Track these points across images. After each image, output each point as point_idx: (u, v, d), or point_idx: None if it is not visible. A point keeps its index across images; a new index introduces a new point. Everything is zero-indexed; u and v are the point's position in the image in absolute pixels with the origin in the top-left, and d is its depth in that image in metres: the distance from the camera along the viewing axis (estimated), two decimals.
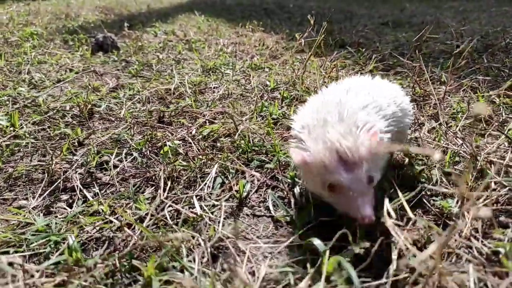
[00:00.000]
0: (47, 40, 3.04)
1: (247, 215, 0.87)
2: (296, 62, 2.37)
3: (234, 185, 0.93)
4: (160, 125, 1.37)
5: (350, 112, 0.78)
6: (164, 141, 1.15)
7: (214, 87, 1.89)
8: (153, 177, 1.00)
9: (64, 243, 0.74)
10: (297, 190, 0.92)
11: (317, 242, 0.69)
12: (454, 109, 1.44)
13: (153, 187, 0.97)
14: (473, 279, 0.60)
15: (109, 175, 1.02)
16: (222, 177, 0.99)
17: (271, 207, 0.87)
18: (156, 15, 4.96)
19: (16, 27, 3.42)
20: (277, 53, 2.78)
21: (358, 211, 0.68)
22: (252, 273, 0.68)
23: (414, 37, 3.36)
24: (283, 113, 1.47)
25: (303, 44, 2.02)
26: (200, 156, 1.06)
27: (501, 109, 1.38)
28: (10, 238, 0.76)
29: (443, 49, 2.77)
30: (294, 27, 4.01)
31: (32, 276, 0.63)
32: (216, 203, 0.88)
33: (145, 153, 1.14)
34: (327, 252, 0.64)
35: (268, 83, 1.92)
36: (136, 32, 3.27)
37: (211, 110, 1.48)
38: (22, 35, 3.03)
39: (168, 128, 1.34)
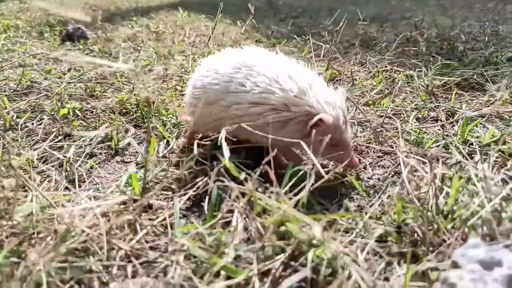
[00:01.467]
0: (25, 32, 3.24)
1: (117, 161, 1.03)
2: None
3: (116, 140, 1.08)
4: (89, 98, 1.53)
5: (313, 74, 0.91)
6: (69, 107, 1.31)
7: (155, 70, 2.05)
8: (49, 133, 1.16)
9: None
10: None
11: None
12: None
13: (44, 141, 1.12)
14: None
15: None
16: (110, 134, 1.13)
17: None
18: (141, 11, 5.13)
19: (6, 20, 3.63)
20: (236, 42, 2.92)
21: (353, 160, 0.87)
22: None
23: (375, 30, 3.49)
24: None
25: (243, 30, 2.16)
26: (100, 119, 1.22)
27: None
28: None
29: (395, 39, 2.89)
30: (274, 22, 4.12)
31: None
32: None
33: (56, 118, 1.29)
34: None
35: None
36: (109, 25, 3.45)
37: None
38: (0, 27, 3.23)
39: (92, 100, 1.50)
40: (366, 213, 0.74)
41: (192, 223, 0.74)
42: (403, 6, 6.04)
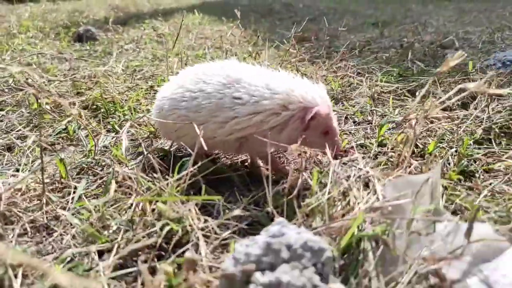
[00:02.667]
0: (43, 33, 3.51)
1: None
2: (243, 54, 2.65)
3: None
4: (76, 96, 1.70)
5: (290, 75, 0.96)
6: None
7: (144, 70, 2.21)
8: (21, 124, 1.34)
9: None
10: None
11: None
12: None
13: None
14: None
15: None
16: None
17: None
18: (160, 13, 5.36)
19: (27, 22, 3.94)
20: (236, 45, 3.06)
21: (339, 145, 0.94)
22: None
23: (377, 35, 3.53)
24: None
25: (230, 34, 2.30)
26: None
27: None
28: None
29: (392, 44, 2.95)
30: (286, 26, 4.20)
31: None
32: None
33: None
34: None
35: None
36: (119, 27, 3.67)
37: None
38: (20, 29, 3.52)
39: (76, 97, 1.67)
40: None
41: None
42: (422, 10, 5.99)
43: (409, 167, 0.91)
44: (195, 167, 0.80)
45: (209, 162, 0.88)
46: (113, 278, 0.64)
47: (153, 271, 0.63)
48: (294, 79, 0.94)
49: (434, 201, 0.74)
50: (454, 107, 1.34)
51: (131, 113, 1.40)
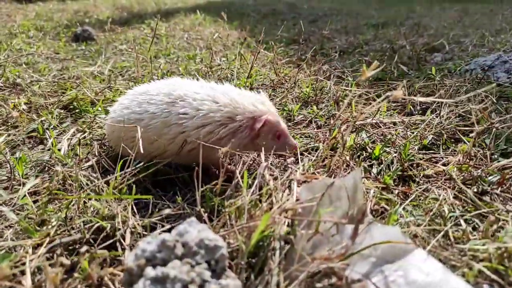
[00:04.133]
0: (43, 32, 3.61)
1: None
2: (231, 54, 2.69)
3: None
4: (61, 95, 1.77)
5: (228, 87, 1.03)
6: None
7: (127, 71, 2.27)
8: None
9: None
10: None
11: None
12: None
13: None
14: None
15: None
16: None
17: None
18: (163, 13, 5.43)
19: (28, 21, 4.05)
20: (230, 47, 3.11)
21: (293, 145, 1.02)
22: None
23: (371, 37, 3.54)
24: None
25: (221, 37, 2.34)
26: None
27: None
28: None
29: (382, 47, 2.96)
30: (287, 27, 4.22)
31: None
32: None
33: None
34: None
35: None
36: (117, 27, 3.75)
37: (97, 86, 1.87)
38: (22, 28, 3.62)
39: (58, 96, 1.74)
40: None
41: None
42: (425, 12, 5.96)
43: (346, 170, 0.94)
44: (135, 167, 0.84)
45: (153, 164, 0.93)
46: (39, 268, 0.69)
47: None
48: (236, 91, 1.00)
49: (354, 204, 0.78)
50: (415, 113, 1.36)
51: (100, 113, 1.45)
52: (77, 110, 1.53)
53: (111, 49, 3.01)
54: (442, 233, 0.74)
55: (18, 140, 1.28)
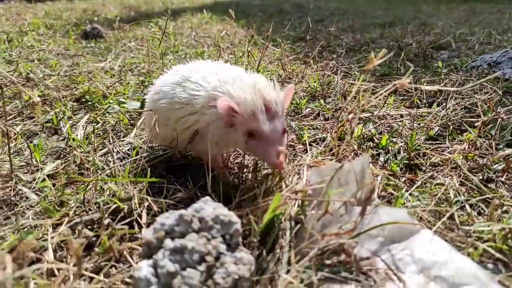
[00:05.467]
0: (53, 30, 3.66)
1: None
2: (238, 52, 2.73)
3: None
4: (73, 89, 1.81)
5: (250, 73, 0.87)
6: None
7: (137, 67, 2.31)
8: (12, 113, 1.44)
9: None
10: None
11: None
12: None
13: None
14: None
15: None
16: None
17: None
18: (168, 12, 5.46)
19: (38, 20, 4.12)
20: (237, 44, 3.14)
21: (273, 158, 0.74)
22: None
23: (378, 36, 3.56)
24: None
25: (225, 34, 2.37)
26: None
27: None
28: None
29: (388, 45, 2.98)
30: (293, 26, 4.25)
31: None
32: None
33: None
34: None
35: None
36: (125, 25, 3.80)
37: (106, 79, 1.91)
38: (32, 26, 3.68)
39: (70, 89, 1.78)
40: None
41: None
42: (432, 12, 5.96)
43: (354, 158, 0.96)
44: (151, 153, 0.87)
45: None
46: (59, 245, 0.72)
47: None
48: (239, 74, 0.85)
49: (362, 186, 0.80)
50: (421, 106, 1.38)
51: (114, 105, 1.49)
52: (89, 103, 1.57)
53: (120, 46, 3.05)
54: (447, 215, 0.76)
55: (34, 130, 1.32)
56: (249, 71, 0.90)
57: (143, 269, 0.56)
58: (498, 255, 0.67)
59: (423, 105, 1.39)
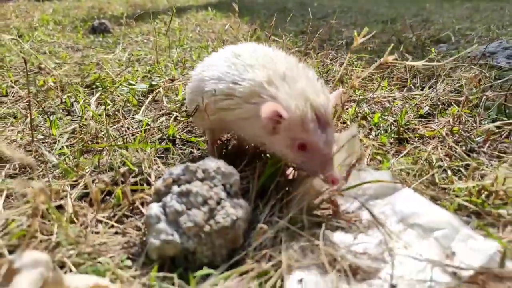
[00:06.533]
0: (60, 25, 3.77)
1: None
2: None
3: None
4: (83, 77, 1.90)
5: (301, 69, 0.77)
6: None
7: (144, 58, 2.40)
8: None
9: None
10: None
11: None
12: None
13: None
14: None
15: None
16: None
17: None
18: (174, 9, 5.55)
19: (47, 16, 4.23)
20: (240, 39, 3.22)
21: (329, 173, 0.69)
22: None
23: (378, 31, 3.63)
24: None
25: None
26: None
27: None
28: None
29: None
30: (296, 23, 4.32)
31: None
32: None
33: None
34: None
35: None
36: (132, 21, 3.89)
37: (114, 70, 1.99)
38: (41, 22, 3.79)
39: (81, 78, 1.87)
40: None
41: None
42: (435, 9, 6.01)
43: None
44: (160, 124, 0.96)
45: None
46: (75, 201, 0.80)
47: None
48: (291, 67, 0.77)
49: (351, 153, 0.88)
50: (414, 89, 1.46)
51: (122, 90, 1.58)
52: (100, 88, 1.66)
53: (127, 40, 3.15)
54: (428, 175, 0.84)
55: (49, 112, 1.41)
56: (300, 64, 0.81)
57: (154, 208, 0.64)
58: (471, 206, 0.74)
59: (416, 89, 1.46)
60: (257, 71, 0.75)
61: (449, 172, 0.89)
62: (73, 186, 0.86)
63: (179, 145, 1.11)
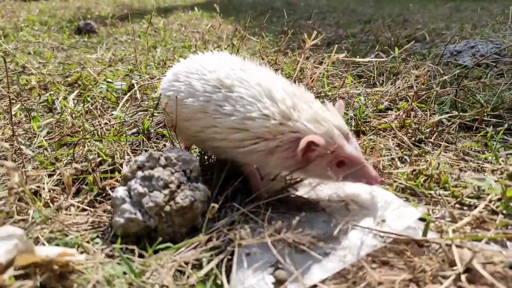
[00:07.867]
0: (46, 26, 3.81)
1: None
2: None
3: None
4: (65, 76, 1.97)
5: (299, 91, 0.79)
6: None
7: (127, 58, 2.47)
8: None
9: None
10: None
11: None
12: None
13: None
14: None
15: None
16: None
17: None
18: (162, 10, 5.63)
19: (33, 17, 4.26)
20: (223, 38, 3.30)
21: (370, 176, 0.75)
22: None
23: (358, 31, 3.73)
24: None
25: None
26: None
27: None
28: None
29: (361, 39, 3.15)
30: (281, 23, 4.40)
31: None
32: None
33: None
34: None
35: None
36: (117, 21, 3.95)
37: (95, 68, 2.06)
38: (27, 23, 3.82)
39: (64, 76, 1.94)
40: None
41: None
42: (418, 10, 6.16)
43: None
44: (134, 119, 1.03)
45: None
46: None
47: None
48: (295, 95, 0.78)
49: None
50: (377, 85, 1.55)
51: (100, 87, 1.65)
52: (81, 87, 1.72)
53: (111, 41, 3.21)
54: (376, 161, 0.93)
55: (31, 109, 1.47)
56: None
57: (119, 191, 0.72)
58: (408, 184, 0.84)
59: (379, 85, 1.56)
60: (269, 107, 0.76)
61: (397, 161, 0.99)
62: (50, 176, 0.94)
63: (153, 139, 1.19)
